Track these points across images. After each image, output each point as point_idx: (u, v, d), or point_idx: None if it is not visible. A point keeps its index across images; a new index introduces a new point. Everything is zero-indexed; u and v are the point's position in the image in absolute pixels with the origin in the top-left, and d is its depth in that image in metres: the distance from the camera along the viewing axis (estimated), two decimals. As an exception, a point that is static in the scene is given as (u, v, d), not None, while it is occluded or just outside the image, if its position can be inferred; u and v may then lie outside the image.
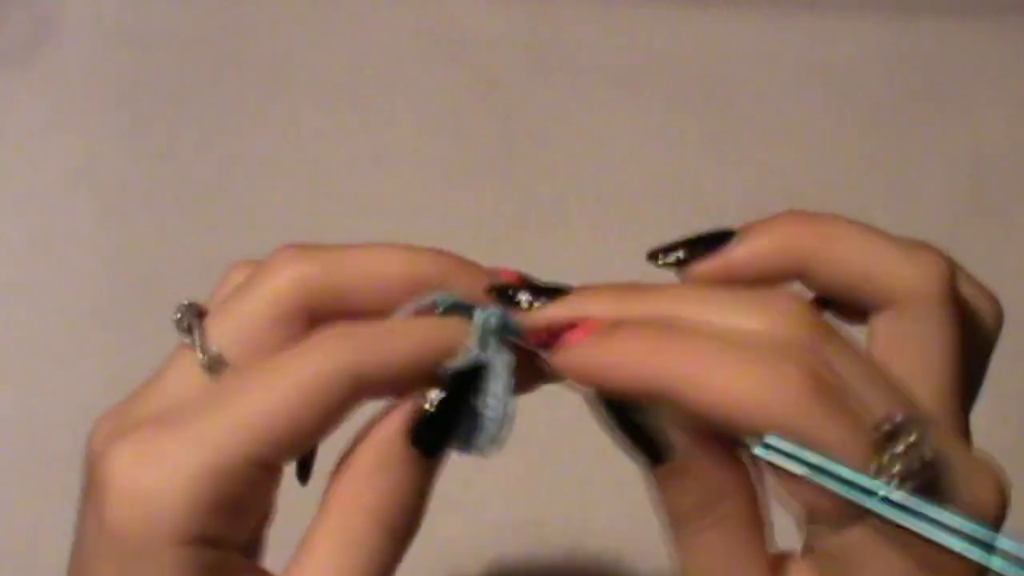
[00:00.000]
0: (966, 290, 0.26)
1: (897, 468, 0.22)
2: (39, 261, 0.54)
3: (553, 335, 0.26)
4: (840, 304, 0.27)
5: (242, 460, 0.24)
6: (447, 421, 0.26)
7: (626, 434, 0.25)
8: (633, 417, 0.25)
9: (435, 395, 0.25)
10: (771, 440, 0.22)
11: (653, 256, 0.28)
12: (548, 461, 0.51)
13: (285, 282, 0.27)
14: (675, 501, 0.26)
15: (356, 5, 0.60)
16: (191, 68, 0.58)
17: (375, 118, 0.58)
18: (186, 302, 0.28)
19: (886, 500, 0.22)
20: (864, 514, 0.22)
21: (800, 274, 0.26)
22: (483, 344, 0.26)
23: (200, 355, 0.26)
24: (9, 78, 0.57)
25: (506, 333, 0.27)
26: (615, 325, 0.25)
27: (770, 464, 0.23)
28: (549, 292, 0.27)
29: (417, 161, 0.57)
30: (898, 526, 0.22)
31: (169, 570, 0.24)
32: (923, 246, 0.26)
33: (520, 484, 0.51)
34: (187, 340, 0.27)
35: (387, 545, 0.25)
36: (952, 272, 0.26)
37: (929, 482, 0.22)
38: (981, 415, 0.58)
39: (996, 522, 0.24)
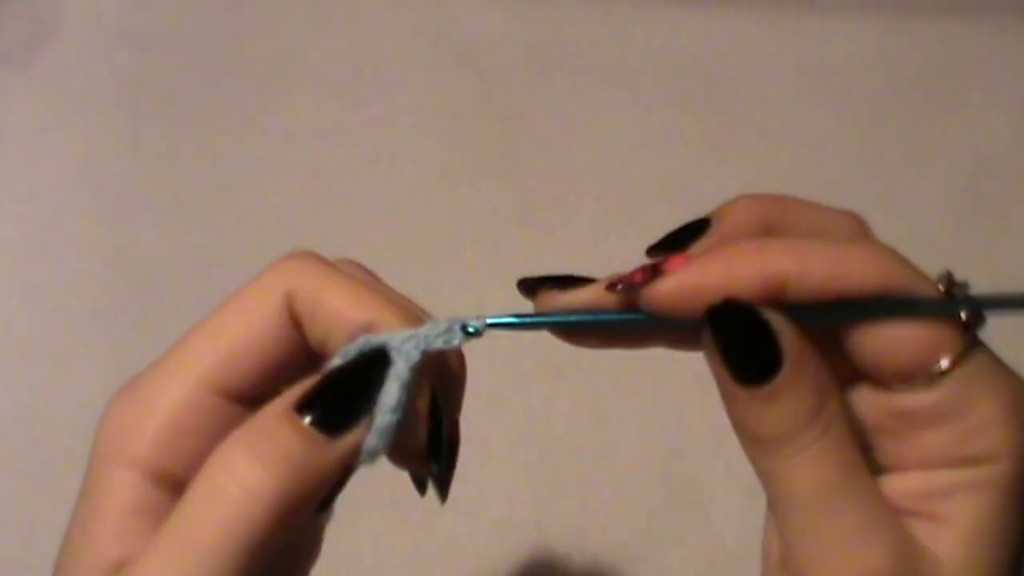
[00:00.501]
0: None
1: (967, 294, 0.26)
2: (39, 261, 0.54)
3: (651, 269, 0.26)
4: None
5: (196, 386, 0.26)
6: (340, 389, 0.25)
7: (741, 347, 0.25)
8: (755, 317, 0.25)
9: (331, 363, 0.26)
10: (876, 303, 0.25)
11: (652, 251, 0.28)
12: (548, 461, 0.51)
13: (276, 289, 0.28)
14: (777, 420, 0.25)
15: (356, 5, 0.60)
16: (191, 68, 0.58)
17: (375, 118, 0.58)
18: None
19: (975, 304, 0.26)
20: (971, 347, 0.25)
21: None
22: (401, 349, 0.26)
23: None
24: (9, 78, 0.57)
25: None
26: (715, 250, 0.26)
27: (894, 316, 0.25)
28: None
29: (417, 161, 0.57)
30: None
31: (115, 489, 0.25)
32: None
33: (520, 484, 0.51)
34: None
35: (261, 519, 0.24)
36: None
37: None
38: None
39: None
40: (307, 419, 0.25)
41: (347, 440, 0.25)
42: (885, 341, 0.25)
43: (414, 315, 0.27)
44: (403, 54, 0.59)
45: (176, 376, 0.26)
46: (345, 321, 0.26)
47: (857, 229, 0.28)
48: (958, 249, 0.57)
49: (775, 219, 0.28)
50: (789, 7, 0.62)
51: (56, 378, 0.51)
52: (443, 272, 0.54)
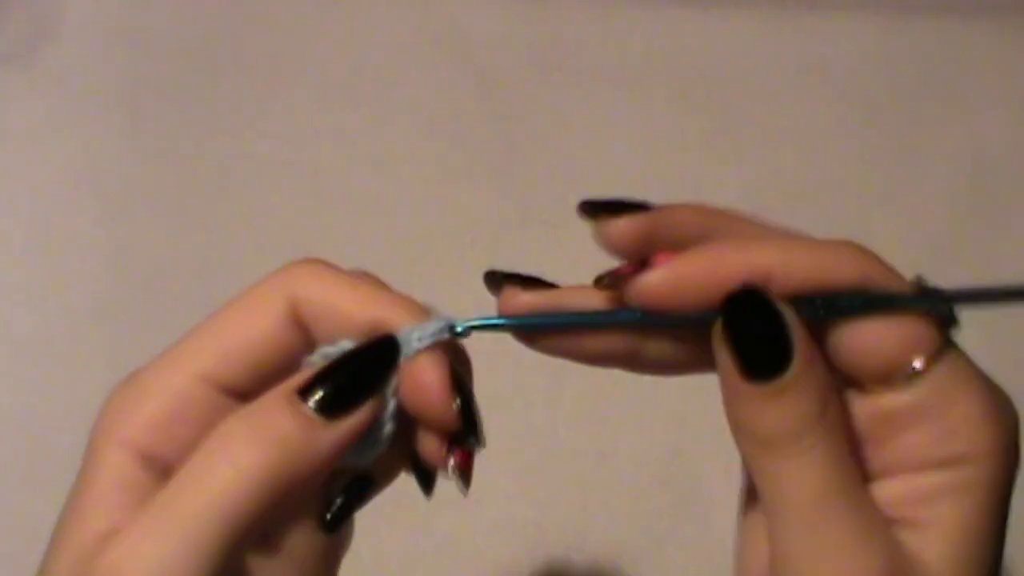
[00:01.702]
0: None
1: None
2: (39, 260, 0.54)
3: (640, 263, 0.26)
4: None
5: (193, 376, 0.26)
6: (343, 377, 0.26)
7: (753, 339, 0.25)
8: (772, 309, 0.25)
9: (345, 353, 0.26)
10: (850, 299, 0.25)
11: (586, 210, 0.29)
12: (548, 461, 0.51)
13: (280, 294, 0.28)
14: (782, 418, 0.25)
15: (356, 5, 0.60)
16: (191, 68, 0.58)
17: (375, 118, 0.58)
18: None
19: (948, 297, 0.26)
20: (946, 347, 0.25)
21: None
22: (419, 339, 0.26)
23: None
24: (9, 78, 0.57)
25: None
26: (700, 246, 0.26)
27: (872, 312, 0.25)
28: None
29: (417, 161, 0.57)
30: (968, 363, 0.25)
31: (106, 466, 0.26)
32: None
33: (520, 484, 0.51)
34: None
35: (255, 503, 0.24)
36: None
37: None
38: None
39: None
40: (309, 403, 0.25)
41: (345, 424, 0.25)
42: (862, 341, 0.25)
43: (421, 313, 0.27)
44: (403, 54, 0.59)
45: (175, 366, 0.27)
46: (351, 320, 0.26)
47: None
48: (958, 249, 0.57)
49: (714, 228, 0.27)
50: (789, 7, 0.61)
51: (56, 377, 0.51)
52: (443, 272, 0.54)
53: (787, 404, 0.24)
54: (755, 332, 0.25)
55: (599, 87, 0.60)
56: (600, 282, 0.27)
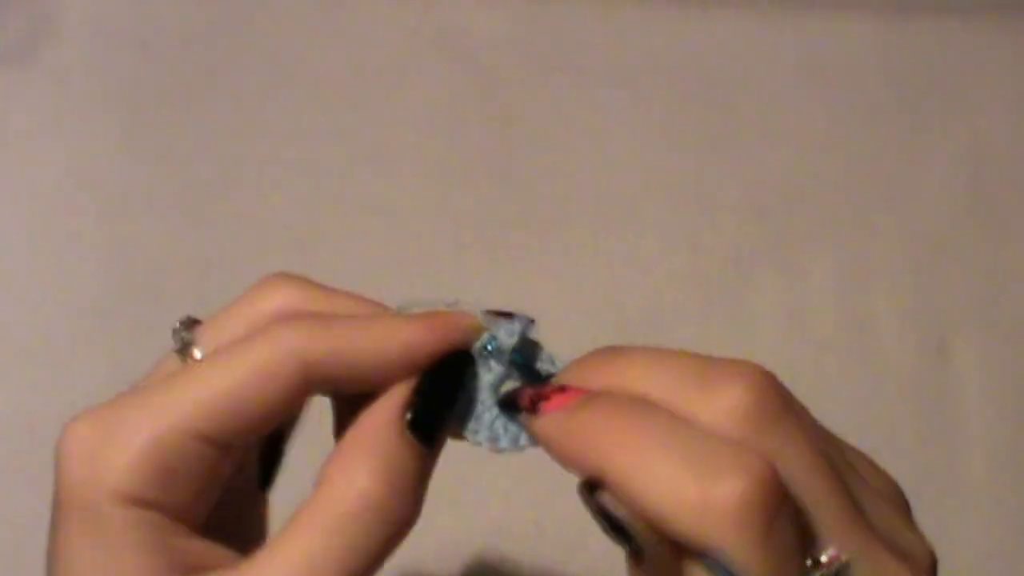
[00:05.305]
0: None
1: None
2: (39, 261, 0.54)
3: (536, 399, 0.26)
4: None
5: (184, 432, 0.25)
6: (437, 404, 0.26)
7: (597, 518, 0.24)
8: (601, 501, 0.23)
9: (422, 378, 0.26)
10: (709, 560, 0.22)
11: None
12: (548, 461, 0.51)
13: (273, 303, 0.28)
14: None
15: (356, 5, 0.60)
16: (191, 68, 0.58)
17: (375, 118, 0.58)
18: (185, 317, 0.29)
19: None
20: None
21: None
22: (485, 348, 0.27)
23: (180, 357, 0.27)
24: (9, 78, 0.57)
25: (508, 355, 0.27)
26: (588, 398, 0.25)
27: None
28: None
29: (417, 161, 0.57)
30: None
31: (115, 527, 0.24)
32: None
33: (520, 484, 0.50)
34: (177, 348, 0.28)
35: (375, 532, 0.24)
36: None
37: None
38: (981, 413, 0.58)
39: None
40: (410, 427, 0.25)
41: (439, 448, 0.26)
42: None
43: (454, 323, 0.27)
44: (403, 54, 0.59)
45: (155, 413, 0.25)
46: (385, 357, 0.26)
47: None
48: (958, 249, 0.57)
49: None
50: (789, 7, 0.61)
51: (55, 378, 0.51)
52: (443, 272, 0.54)
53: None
54: (600, 514, 0.24)
55: (599, 87, 0.60)
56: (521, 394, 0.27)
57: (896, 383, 0.55)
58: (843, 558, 0.22)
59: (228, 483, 0.27)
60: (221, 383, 0.25)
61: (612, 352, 0.26)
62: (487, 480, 0.50)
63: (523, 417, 0.26)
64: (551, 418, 0.25)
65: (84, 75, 0.57)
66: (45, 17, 0.58)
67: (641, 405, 0.24)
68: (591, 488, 0.24)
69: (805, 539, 0.22)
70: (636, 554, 0.23)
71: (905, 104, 0.61)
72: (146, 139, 0.57)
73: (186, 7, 0.59)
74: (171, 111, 0.57)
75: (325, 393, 0.27)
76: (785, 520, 0.22)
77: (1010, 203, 0.59)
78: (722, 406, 0.23)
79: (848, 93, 0.61)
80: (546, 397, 0.25)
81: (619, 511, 0.23)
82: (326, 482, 0.24)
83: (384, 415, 0.25)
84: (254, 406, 0.25)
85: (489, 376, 0.27)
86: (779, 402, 0.23)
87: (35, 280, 0.54)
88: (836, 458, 0.24)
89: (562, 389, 0.25)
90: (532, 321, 0.27)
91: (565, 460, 0.25)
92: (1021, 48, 0.62)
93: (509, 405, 0.27)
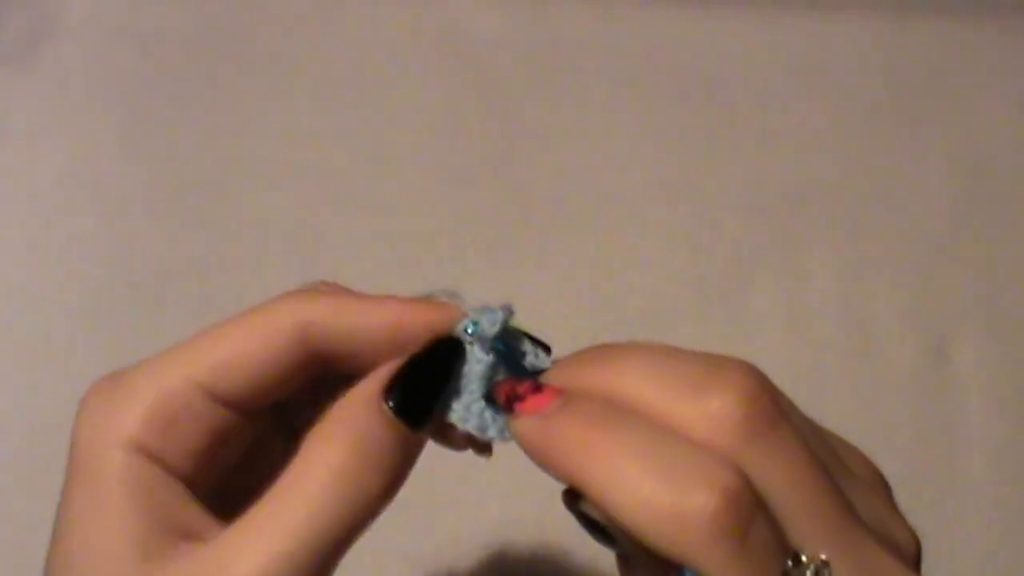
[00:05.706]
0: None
1: None
2: (38, 261, 0.54)
3: (512, 398, 0.25)
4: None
5: (189, 382, 0.26)
6: (421, 383, 0.26)
7: (581, 522, 0.24)
8: (583, 509, 0.24)
9: (408, 359, 0.26)
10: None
11: None
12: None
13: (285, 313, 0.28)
14: None
15: (356, 5, 0.60)
16: (191, 68, 0.58)
17: (375, 118, 0.58)
18: None
19: None
20: None
21: None
22: (472, 334, 0.27)
23: None
24: (9, 78, 0.57)
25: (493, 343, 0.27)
26: (565, 403, 0.24)
27: None
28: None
29: (417, 161, 0.57)
30: None
31: (113, 474, 0.25)
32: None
33: (520, 484, 0.50)
34: None
35: (348, 506, 0.24)
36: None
37: None
38: (980, 413, 0.58)
39: None
40: (394, 409, 0.25)
41: (425, 432, 0.26)
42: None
43: (438, 305, 0.27)
44: (403, 54, 0.59)
45: (167, 368, 0.27)
46: (372, 327, 0.27)
47: None
48: (958, 249, 0.57)
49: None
50: (789, 7, 0.62)
51: (55, 378, 0.51)
52: (443, 272, 0.54)
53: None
54: (579, 515, 0.24)
55: (599, 87, 0.60)
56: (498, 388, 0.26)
57: (896, 383, 0.55)
58: (822, 557, 0.22)
59: (242, 455, 0.28)
60: (224, 341, 0.27)
61: (603, 351, 0.26)
62: (487, 480, 0.50)
63: (503, 413, 0.26)
64: (527, 422, 0.24)
65: (84, 75, 0.57)
66: (45, 17, 0.58)
67: (616, 413, 0.23)
68: (573, 495, 0.24)
69: (783, 546, 0.22)
70: (623, 556, 0.23)
71: (905, 104, 0.61)
72: (146, 139, 0.57)
73: (186, 7, 0.59)
74: (171, 111, 0.57)
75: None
76: (759, 531, 0.21)
77: (1010, 203, 0.59)
78: (711, 414, 0.22)
79: (848, 93, 0.61)
80: (521, 397, 0.25)
81: (601, 518, 0.23)
82: (301, 456, 0.25)
83: (363, 392, 0.26)
84: (255, 364, 0.26)
85: (479, 367, 0.27)
86: (770, 410, 0.23)
87: (35, 280, 0.54)
88: (825, 456, 0.24)
89: (538, 388, 0.25)
90: (512, 312, 0.27)
91: (542, 466, 0.24)
92: (1021, 48, 0.62)
93: (492, 398, 0.27)
